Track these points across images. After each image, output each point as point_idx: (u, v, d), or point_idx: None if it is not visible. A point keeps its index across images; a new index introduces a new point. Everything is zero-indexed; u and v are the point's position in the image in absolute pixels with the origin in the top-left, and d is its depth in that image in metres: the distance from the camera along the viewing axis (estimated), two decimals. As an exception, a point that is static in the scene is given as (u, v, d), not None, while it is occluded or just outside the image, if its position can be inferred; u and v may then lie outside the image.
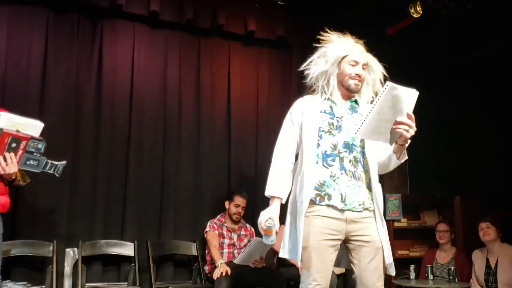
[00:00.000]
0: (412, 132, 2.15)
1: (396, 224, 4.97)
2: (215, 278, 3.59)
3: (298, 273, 3.82)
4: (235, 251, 4.06)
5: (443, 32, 4.68)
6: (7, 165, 2.54)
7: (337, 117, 2.39)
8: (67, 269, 3.84)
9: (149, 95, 4.36)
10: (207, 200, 4.45)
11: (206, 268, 4.06)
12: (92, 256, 3.92)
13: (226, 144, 4.64)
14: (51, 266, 3.69)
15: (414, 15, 4.47)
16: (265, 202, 4.46)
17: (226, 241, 4.07)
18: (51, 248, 3.76)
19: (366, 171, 2.36)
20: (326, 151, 2.34)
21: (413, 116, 2.13)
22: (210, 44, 4.67)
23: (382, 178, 4.76)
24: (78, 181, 3.99)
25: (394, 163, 2.34)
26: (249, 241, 4.09)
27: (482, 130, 4.99)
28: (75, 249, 3.87)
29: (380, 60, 2.48)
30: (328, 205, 2.28)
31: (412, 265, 4.22)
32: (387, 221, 4.95)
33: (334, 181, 2.31)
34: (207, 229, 4.06)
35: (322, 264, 2.25)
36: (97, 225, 4.00)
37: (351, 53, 2.39)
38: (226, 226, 4.12)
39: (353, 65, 2.39)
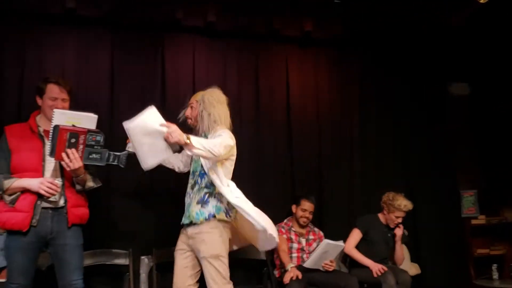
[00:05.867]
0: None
1: (474, 222, 4.73)
2: (286, 282, 3.58)
3: (371, 275, 3.74)
4: (304, 256, 4.02)
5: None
6: (70, 161, 2.52)
7: None
8: None
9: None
10: (271, 207, 4.40)
11: (276, 272, 4.06)
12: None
13: (287, 151, 4.58)
14: None
15: None
16: (330, 206, 4.42)
17: (295, 245, 4.05)
18: None
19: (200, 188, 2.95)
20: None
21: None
22: (267, 50, 4.66)
23: (455, 172, 4.56)
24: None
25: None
26: (318, 246, 4.04)
27: None
28: None
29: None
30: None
31: (495, 264, 4.00)
32: (462, 219, 4.81)
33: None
34: (276, 233, 4.05)
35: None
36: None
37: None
38: (293, 231, 4.09)
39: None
